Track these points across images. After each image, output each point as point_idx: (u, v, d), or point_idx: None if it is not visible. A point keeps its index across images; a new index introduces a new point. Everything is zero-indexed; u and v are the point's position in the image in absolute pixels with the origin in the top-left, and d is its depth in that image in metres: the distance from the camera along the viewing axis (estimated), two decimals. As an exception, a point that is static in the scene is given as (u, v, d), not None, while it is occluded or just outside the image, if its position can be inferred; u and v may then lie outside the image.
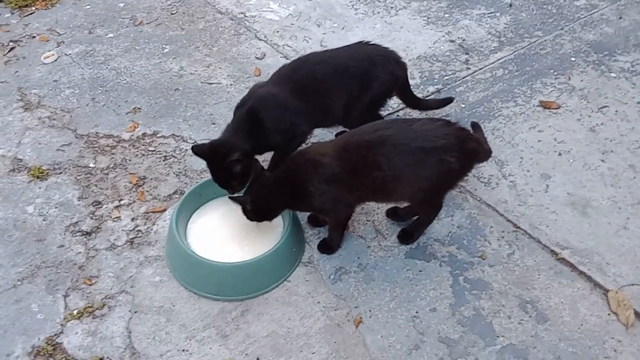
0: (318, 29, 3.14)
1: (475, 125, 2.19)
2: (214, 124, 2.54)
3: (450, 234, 2.08)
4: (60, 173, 2.34)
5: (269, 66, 2.79)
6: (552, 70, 2.79)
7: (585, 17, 3.15)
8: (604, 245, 2.02)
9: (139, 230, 2.12)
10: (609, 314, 1.83)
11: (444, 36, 3.04)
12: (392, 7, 3.28)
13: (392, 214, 2.12)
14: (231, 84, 2.76)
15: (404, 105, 2.49)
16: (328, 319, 1.84)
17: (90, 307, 1.89)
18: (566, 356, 1.74)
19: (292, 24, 3.17)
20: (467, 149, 1.85)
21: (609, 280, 1.91)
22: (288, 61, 2.40)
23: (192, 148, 1.99)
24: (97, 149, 2.45)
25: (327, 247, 2.03)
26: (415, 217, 2.07)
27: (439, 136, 1.79)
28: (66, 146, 2.46)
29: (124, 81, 2.80)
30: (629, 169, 2.29)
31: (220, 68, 2.86)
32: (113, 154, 2.42)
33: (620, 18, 3.13)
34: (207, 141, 2.41)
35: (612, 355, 1.73)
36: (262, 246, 1.94)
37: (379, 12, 3.24)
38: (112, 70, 2.86)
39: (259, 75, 2.79)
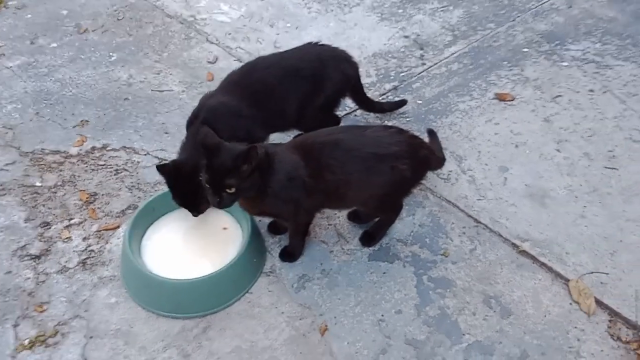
0: (271, 29, 3.08)
1: (431, 133, 2.19)
2: (166, 133, 2.46)
3: (412, 233, 2.07)
4: (5, 194, 2.22)
5: (222, 70, 2.72)
6: (505, 62, 2.80)
7: (536, 7, 3.19)
8: (563, 235, 2.04)
9: (92, 250, 2.03)
10: (570, 304, 1.84)
11: (398, 32, 3.03)
12: (345, 5, 3.25)
13: (353, 216, 2.09)
14: (183, 91, 2.68)
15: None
16: (293, 329, 1.80)
17: (42, 335, 1.79)
18: (531, 349, 1.74)
19: (244, 26, 3.11)
20: (419, 156, 1.84)
21: (569, 270, 1.93)
22: (242, 64, 2.34)
23: (157, 167, 1.91)
24: (43, 166, 2.33)
25: (289, 254, 1.99)
26: (377, 219, 2.04)
27: (392, 143, 1.77)
28: (10, 165, 2.34)
29: (70, 93, 2.68)
30: (583, 157, 2.32)
31: (171, 74, 2.78)
32: (61, 170, 2.31)
33: (570, 7, 3.18)
34: (161, 151, 2.37)
35: (575, 344, 1.75)
36: (221, 259, 1.88)
37: (332, 10, 3.20)
38: (57, 81, 2.74)
39: (212, 80, 2.72)
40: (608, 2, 3.20)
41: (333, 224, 2.11)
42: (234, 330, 1.80)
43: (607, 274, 1.91)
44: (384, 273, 1.95)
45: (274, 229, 2.07)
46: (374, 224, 2.04)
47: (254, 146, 1.62)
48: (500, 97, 2.60)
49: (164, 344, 1.77)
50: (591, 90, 2.63)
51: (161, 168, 1.91)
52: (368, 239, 2.03)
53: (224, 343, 1.77)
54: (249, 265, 1.90)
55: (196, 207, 1.94)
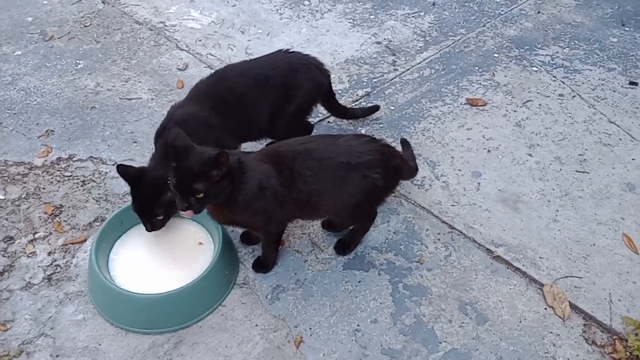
0: (242, 35, 3.04)
1: (404, 142, 2.19)
2: (135, 142, 2.40)
3: (387, 241, 2.05)
4: (-35, 208, 2.13)
5: (192, 77, 2.67)
6: (476, 68, 2.82)
7: (505, 13, 3.23)
8: (536, 239, 2.05)
9: (57, 265, 1.95)
10: (545, 309, 1.85)
11: (370, 38, 3.02)
12: (317, 11, 3.23)
13: (327, 225, 2.07)
14: (152, 98, 2.62)
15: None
16: (267, 342, 1.76)
17: (6, 355, 1.71)
18: (507, 355, 1.74)
19: (215, 32, 3.07)
20: (391, 165, 1.83)
21: (544, 275, 1.93)
22: (212, 71, 2.30)
23: (118, 167, 1.83)
24: (6, 178, 2.25)
25: (262, 265, 1.95)
26: (351, 227, 2.02)
27: (364, 152, 1.76)
28: (-29, 178, 2.25)
29: (35, 102, 2.60)
30: (555, 161, 2.34)
31: (140, 82, 2.72)
32: (25, 182, 2.23)
33: (539, 12, 3.22)
34: (129, 161, 2.31)
35: (551, 349, 1.75)
36: (191, 272, 1.83)
37: (304, 16, 3.19)
38: (21, 90, 2.66)
39: (182, 87, 2.66)
40: (575, 8, 3.26)
41: (307, 233, 2.08)
42: (207, 344, 1.75)
43: (580, 277, 1.92)
44: (359, 282, 1.93)
45: (246, 239, 2.03)
46: (349, 232, 2.02)
47: (223, 152, 1.58)
48: (472, 103, 2.62)
49: (133, 361, 1.71)
50: (561, 95, 2.66)
51: (122, 168, 1.83)
52: (343, 248, 2.00)
53: (197, 358, 1.72)
54: (221, 277, 1.85)
55: (150, 220, 1.87)
